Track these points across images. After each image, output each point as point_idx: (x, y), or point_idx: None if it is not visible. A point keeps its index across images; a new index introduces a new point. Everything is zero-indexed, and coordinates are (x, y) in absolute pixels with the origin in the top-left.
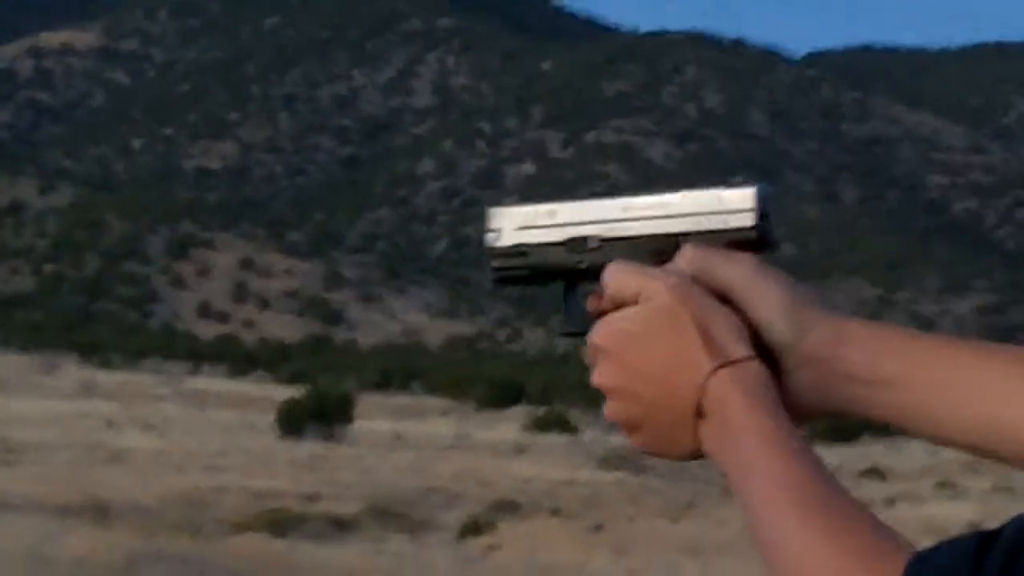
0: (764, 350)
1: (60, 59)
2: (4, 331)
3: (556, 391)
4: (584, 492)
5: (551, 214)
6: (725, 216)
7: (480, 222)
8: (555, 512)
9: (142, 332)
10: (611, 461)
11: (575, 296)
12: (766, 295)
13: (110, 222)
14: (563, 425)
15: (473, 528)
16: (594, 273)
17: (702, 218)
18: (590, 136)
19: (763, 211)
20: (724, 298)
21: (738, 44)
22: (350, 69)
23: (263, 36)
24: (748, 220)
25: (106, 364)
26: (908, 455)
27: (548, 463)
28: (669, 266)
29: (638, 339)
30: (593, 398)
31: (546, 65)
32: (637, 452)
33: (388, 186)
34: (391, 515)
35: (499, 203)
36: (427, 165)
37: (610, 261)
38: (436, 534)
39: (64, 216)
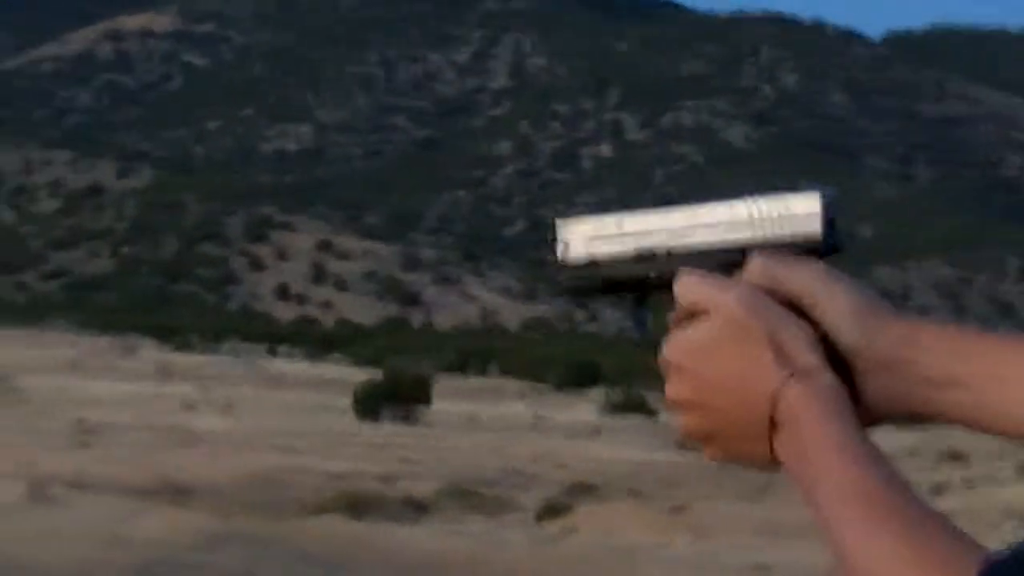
0: (835, 356)
1: (138, 42)
2: (82, 313)
3: (633, 373)
4: (662, 474)
5: (619, 225)
6: (792, 224)
7: (555, 204)
8: (633, 494)
9: (220, 314)
10: (689, 443)
11: (645, 307)
12: (835, 301)
13: (188, 204)
14: (640, 407)
15: (550, 510)
16: (664, 284)
17: (769, 227)
18: (667, 117)
19: (829, 217)
20: (794, 306)
21: (816, 25)
22: (426, 50)
23: (339, 17)
24: (815, 227)
25: (184, 346)
26: (987, 438)
27: (625, 445)
28: (738, 276)
29: (708, 352)
30: None
31: (623, 46)
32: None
33: (464, 167)
34: (468, 496)
35: (566, 215)
36: (503, 146)
37: (679, 272)
38: (513, 515)
39: (142, 198)
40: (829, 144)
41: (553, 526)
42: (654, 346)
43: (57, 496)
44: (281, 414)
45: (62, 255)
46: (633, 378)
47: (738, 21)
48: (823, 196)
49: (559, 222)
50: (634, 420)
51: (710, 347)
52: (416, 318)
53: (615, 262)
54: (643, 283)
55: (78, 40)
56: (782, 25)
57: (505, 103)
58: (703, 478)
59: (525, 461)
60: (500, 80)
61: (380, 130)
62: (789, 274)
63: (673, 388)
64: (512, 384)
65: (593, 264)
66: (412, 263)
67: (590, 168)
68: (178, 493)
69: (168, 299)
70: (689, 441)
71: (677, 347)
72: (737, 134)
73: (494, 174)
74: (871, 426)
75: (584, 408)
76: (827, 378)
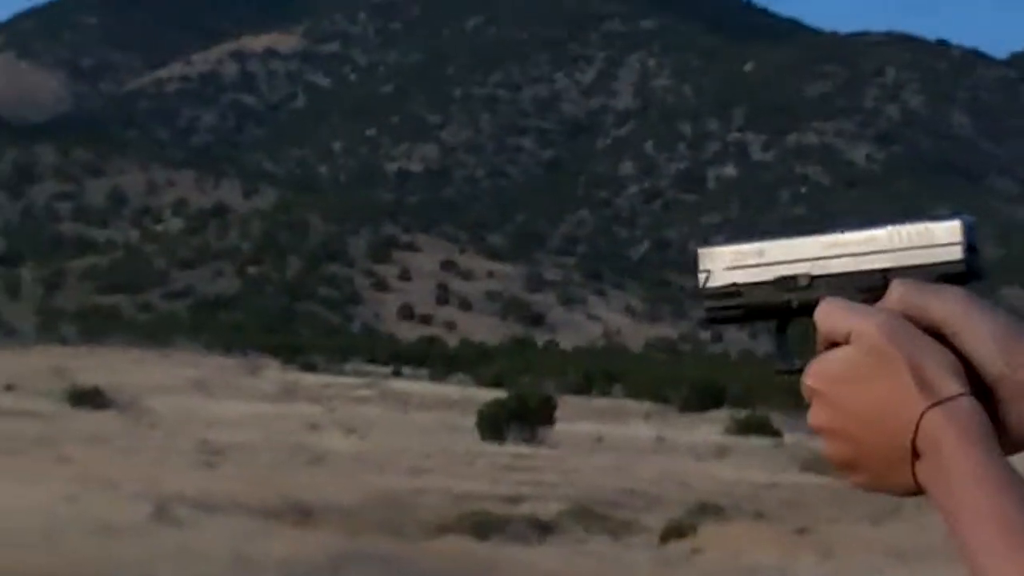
0: (978, 383)
1: (262, 62)
2: (207, 333)
3: (758, 393)
4: (787, 495)
5: (760, 253)
6: (933, 250)
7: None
8: (758, 515)
9: (344, 334)
10: (814, 464)
11: (786, 335)
12: (978, 328)
13: (313, 224)
14: (765, 428)
15: (675, 531)
16: (805, 310)
17: (910, 253)
18: (791, 138)
19: (970, 243)
20: (936, 333)
21: (940, 44)
22: (551, 71)
23: (464, 37)
24: (957, 253)
25: (308, 366)
26: None
27: (750, 466)
28: (879, 303)
29: (850, 380)
30: (796, 401)
31: (748, 66)
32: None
33: (589, 188)
34: (593, 517)
35: (706, 243)
36: (628, 167)
37: (820, 298)
38: (638, 536)
39: (267, 218)
40: (954, 165)
41: (678, 547)
42: (797, 372)
43: (182, 516)
44: (406, 434)
45: (187, 275)
46: (758, 399)
47: (862, 41)
48: (964, 223)
49: (701, 251)
50: (760, 441)
51: (851, 375)
52: (540, 338)
53: (756, 289)
54: (784, 310)
55: (203, 60)
56: (907, 45)
57: (630, 124)
58: (828, 499)
59: (650, 482)
60: (625, 101)
61: (505, 151)
62: (931, 301)
63: (815, 415)
64: (636, 405)
65: (735, 292)
66: (536, 283)
67: (715, 189)
68: (303, 514)
69: (292, 319)
70: (833, 468)
71: (818, 374)
72: (861, 155)
73: (618, 195)
74: (1015, 453)
75: (708, 429)
76: (969, 405)
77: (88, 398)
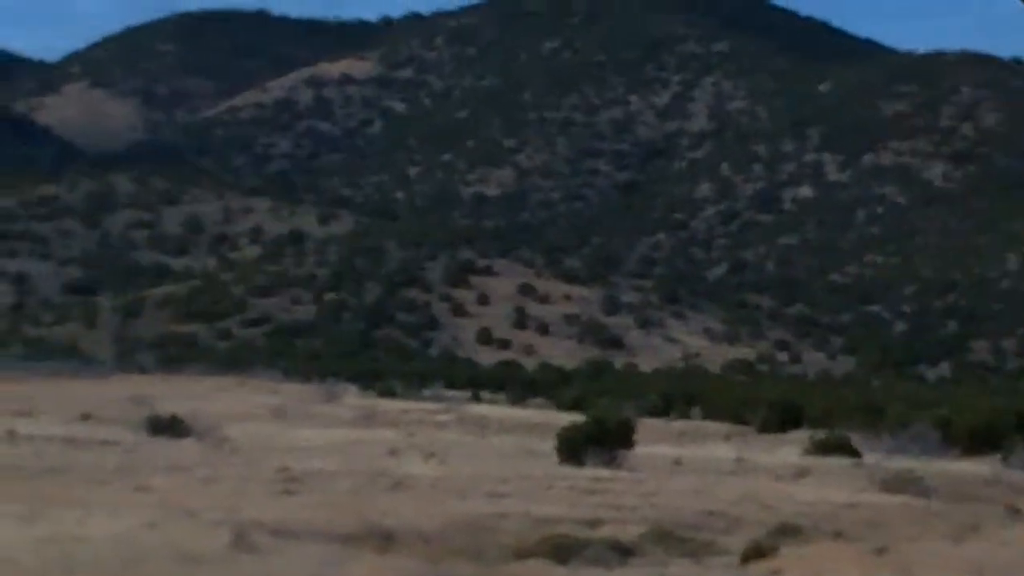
0: None
1: (338, 88)
2: (286, 360)
3: (837, 414)
4: (867, 515)
5: None
6: None
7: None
8: (838, 535)
9: (422, 359)
10: (893, 484)
11: None
12: None
13: (389, 250)
14: (844, 448)
15: (756, 552)
16: None
17: None
18: (868, 158)
19: None
20: None
21: (1015, 62)
22: (626, 93)
23: (539, 61)
24: None
25: (387, 391)
26: None
27: (830, 486)
28: None
29: None
30: (873, 421)
31: (823, 87)
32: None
33: (665, 210)
34: (674, 539)
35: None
36: (704, 189)
37: None
38: (719, 558)
39: (344, 244)
40: None
41: (759, 568)
42: None
43: (262, 544)
44: (485, 458)
45: (264, 302)
46: (837, 419)
47: (937, 60)
48: None
49: None
50: (839, 461)
51: None
52: (618, 361)
53: None
54: None
55: (278, 87)
56: (981, 64)
57: (705, 145)
58: (908, 519)
59: (730, 503)
60: (700, 123)
61: (581, 174)
62: None
63: None
64: (715, 426)
65: None
66: (614, 306)
67: (791, 209)
68: (384, 539)
69: (370, 345)
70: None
71: None
72: (937, 174)
73: (695, 216)
74: None
75: (788, 450)
76: None
77: (167, 426)
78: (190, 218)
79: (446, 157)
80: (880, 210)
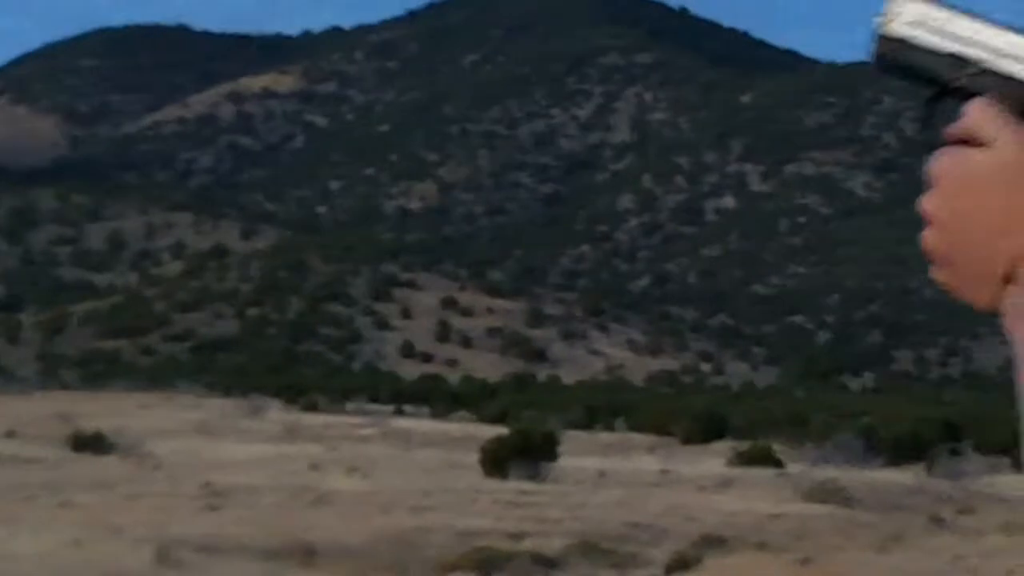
0: None
1: (260, 103)
2: (209, 375)
3: (761, 425)
4: (791, 525)
5: (947, 21)
6: None
7: (680, 257)
8: (762, 546)
9: (346, 374)
10: (817, 494)
11: (935, 109)
12: None
13: (312, 264)
14: (768, 459)
15: (680, 563)
16: (964, 95)
17: None
18: (790, 168)
19: None
20: None
21: None
22: (549, 106)
23: (461, 75)
24: None
25: (310, 406)
26: None
27: (754, 497)
28: None
29: (976, 183)
30: (797, 431)
31: (745, 98)
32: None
33: (588, 222)
34: (598, 552)
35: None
36: (627, 201)
37: (984, 91)
38: (643, 570)
39: (267, 259)
40: None
41: None
42: (928, 149)
43: (186, 560)
44: (409, 472)
45: (187, 317)
46: (760, 430)
47: (858, 70)
48: None
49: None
50: (763, 472)
51: (980, 178)
52: (542, 373)
53: (928, 54)
54: (944, 85)
55: (200, 102)
56: None
57: (628, 157)
58: (832, 530)
59: (654, 515)
60: (623, 135)
61: (504, 187)
62: None
63: (929, 201)
64: (640, 438)
65: (907, 46)
66: (537, 319)
67: (714, 221)
68: (308, 554)
69: (294, 359)
70: (925, 256)
71: (949, 164)
72: (860, 184)
73: (618, 229)
74: None
75: (712, 461)
76: None
77: (91, 443)
78: (113, 234)
79: (369, 171)
80: (803, 220)
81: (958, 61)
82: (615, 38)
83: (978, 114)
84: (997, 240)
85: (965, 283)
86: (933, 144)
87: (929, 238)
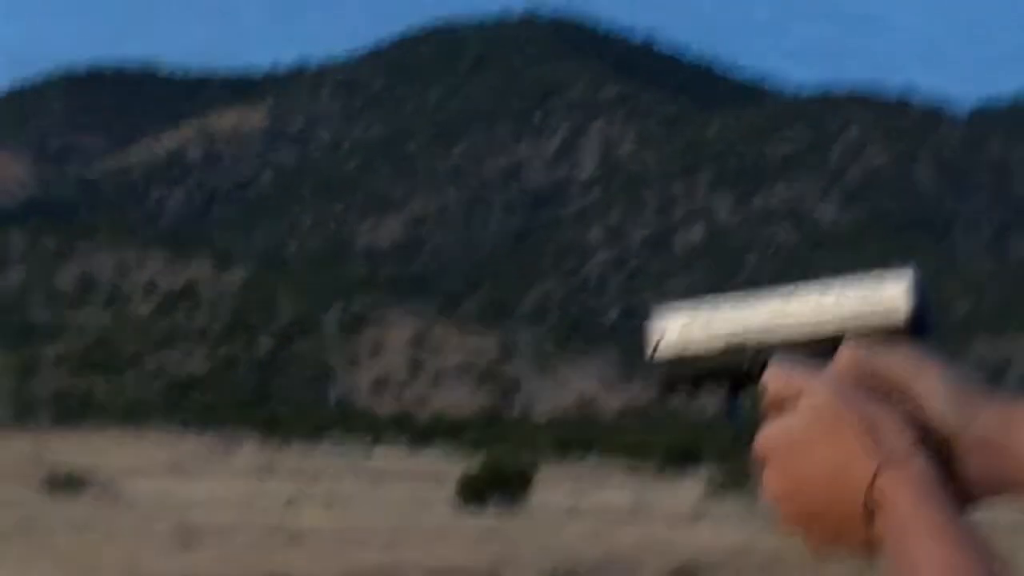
0: (933, 440)
1: (228, 141)
2: (181, 412)
3: (733, 455)
4: (763, 557)
5: (708, 322)
6: (880, 311)
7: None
8: None
9: (318, 410)
10: (788, 533)
11: (738, 400)
12: (931, 384)
13: (283, 301)
14: (741, 489)
15: None
16: (757, 375)
17: (857, 315)
18: (757, 199)
19: (919, 300)
20: (888, 391)
21: (902, 102)
22: (515, 141)
23: (427, 110)
24: (903, 312)
25: (284, 443)
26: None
27: (727, 528)
28: (830, 365)
29: (800, 442)
30: None
31: (711, 130)
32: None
33: (557, 256)
34: None
35: (660, 300)
36: (595, 234)
37: (772, 362)
38: None
39: (237, 297)
40: (920, 221)
41: None
42: (750, 436)
43: None
44: (383, 509)
45: (159, 356)
46: (734, 459)
47: (825, 101)
48: (910, 279)
49: (648, 323)
50: (736, 503)
51: (802, 437)
52: (514, 407)
53: (706, 357)
54: (736, 375)
55: (169, 140)
56: (869, 104)
57: (595, 191)
58: (805, 561)
59: (628, 547)
60: (589, 168)
61: (472, 222)
62: (882, 360)
63: (768, 480)
64: (612, 470)
65: (684, 360)
66: (508, 353)
67: (682, 253)
68: None
69: (266, 396)
70: (788, 532)
71: (769, 438)
72: (827, 213)
73: (586, 262)
74: (971, 505)
75: (686, 492)
76: (922, 463)
77: (65, 483)
78: (83, 274)
79: (337, 207)
80: (770, 251)
81: (736, 349)
82: (580, 72)
83: (776, 378)
84: (844, 484)
85: (835, 537)
86: (752, 433)
87: (783, 516)
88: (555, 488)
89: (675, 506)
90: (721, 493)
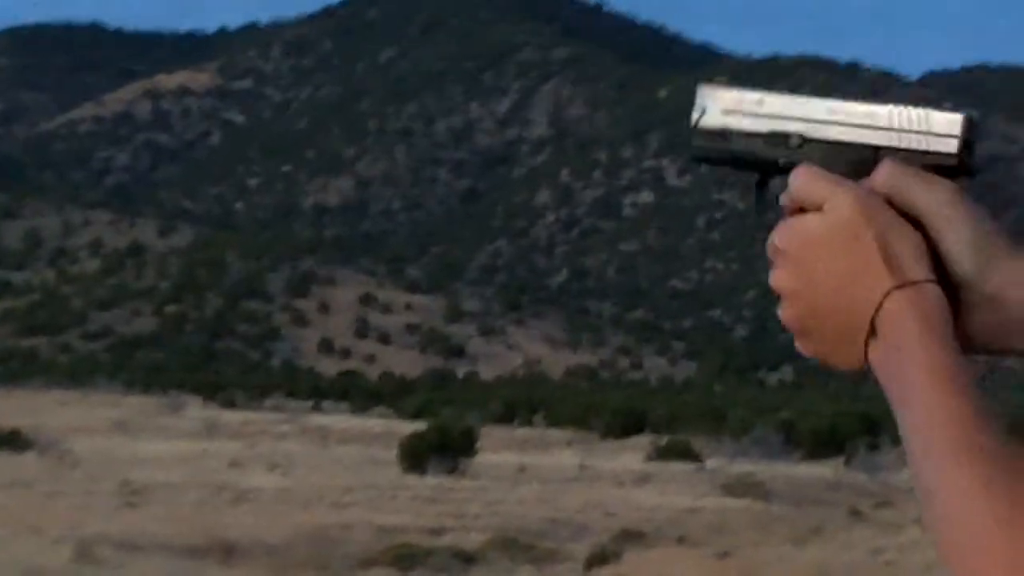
0: (946, 281)
1: (176, 100)
2: (127, 372)
3: (679, 419)
4: (710, 519)
5: (759, 103)
6: (929, 137)
7: (598, 252)
8: (681, 540)
9: (264, 370)
10: (736, 488)
11: (766, 190)
12: (958, 226)
13: (230, 261)
14: (687, 453)
15: (600, 558)
16: (790, 170)
17: (906, 135)
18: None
19: (967, 139)
20: (915, 221)
21: (852, 66)
22: (465, 102)
23: (377, 71)
24: (952, 145)
25: (229, 403)
26: None
27: (673, 492)
28: (866, 179)
29: (819, 247)
30: (715, 425)
31: (661, 93)
32: (807, 356)
33: (506, 218)
34: (517, 547)
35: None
36: (544, 196)
37: (808, 161)
38: (563, 565)
39: (184, 257)
40: None
41: (602, 574)
42: (767, 229)
43: (106, 558)
44: (328, 469)
45: (105, 315)
46: (679, 424)
47: (775, 65)
48: (966, 117)
49: (701, 87)
50: (681, 467)
51: (820, 241)
52: (460, 369)
53: (747, 138)
54: (770, 165)
55: (116, 100)
56: (819, 68)
57: (545, 153)
58: (751, 523)
59: (573, 510)
60: (539, 130)
61: (421, 183)
62: (917, 188)
63: (778, 275)
64: (558, 433)
65: (725, 136)
66: (455, 315)
67: (632, 216)
68: (228, 552)
69: (212, 356)
70: (785, 330)
71: (788, 234)
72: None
73: (535, 224)
74: (967, 355)
75: (631, 456)
76: (934, 293)
77: (8, 441)
78: (29, 232)
79: (286, 168)
80: (720, 216)
81: (778, 138)
82: (531, 34)
83: (804, 180)
84: (851, 297)
85: (832, 348)
86: (772, 226)
87: (785, 312)
88: (501, 451)
89: (621, 469)
90: (666, 456)
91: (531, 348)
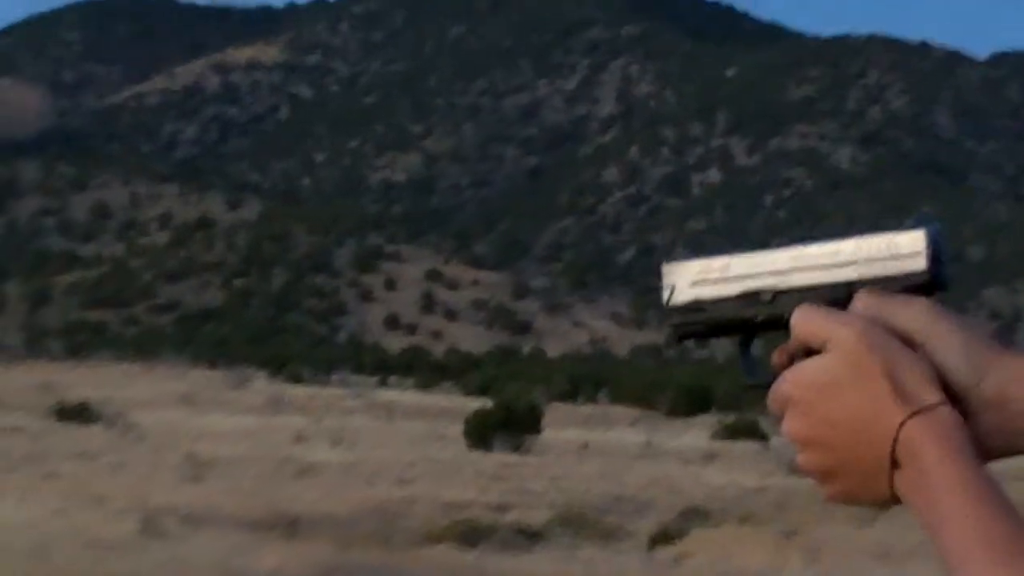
0: (948, 394)
1: (245, 74)
2: (194, 346)
3: (745, 398)
4: (774, 498)
5: (725, 268)
6: (898, 262)
7: (665, 230)
8: (745, 519)
9: (330, 345)
10: (805, 477)
11: (751, 349)
12: (945, 339)
13: (297, 236)
14: (752, 432)
15: (664, 536)
16: (770, 325)
17: (874, 265)
18: (775, 142)
19: (935, 253)
20: (907, 343)
21: (922, 45)
22: (534, 78)
23: (446, 46)
24: (921, 264)
25: (295, 378)
26: None
27: (738, 470)
28: (849, 312)
29: (828, 388)
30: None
31: (730, 71)
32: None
33: (573, 195)
34: (581, 524)
35: (672, 259)
36: (612, 173)
37: (785, 313)
38: (627, 542)
39: (252, 230)
40: (937, 165)
41: (666, 552)
42: (764, 387)
43: (170, 530)
44: (393, 444)
45: (172, 288)
46: (745, 403)
47: (844, 43)
48: (929, 233)
49: (665, 267)
50: (746, 445)
51: (830, 382)
52: (526, 346)
53: (721, 304)
54: (749, 325)
55: (185, 73)
56: (889, 46)
57: (613, 130)
58: (815, 502)
59: (638, 487)
60: (608, 107)
61: (488, 159)
62: (897, 312)
63: (791, 424)
64: (623, 411)
65: (699, 307)
66: (522, 291)
67: (699, 194)
68: (292, 526)
69: (278, 330)
70: (807, 477)
71: (796, 381)
72: (845, 157)
73: (603, 201)
74: (985, 463)
75: (695, 434)
76: (948, 414)
77: (75, 414)
78: (97, 204)
79: (353, 143)
80: (787, 194)
81: (750, 297)
82: (600, 10)
83: (804, 320)
84: (869, 433)
85: (858, 486)
86: (766, 384)
87: (805, 460)
88: (566, 428)
89: (686, 447)
90: (732, 435)
91: (597, 325)
